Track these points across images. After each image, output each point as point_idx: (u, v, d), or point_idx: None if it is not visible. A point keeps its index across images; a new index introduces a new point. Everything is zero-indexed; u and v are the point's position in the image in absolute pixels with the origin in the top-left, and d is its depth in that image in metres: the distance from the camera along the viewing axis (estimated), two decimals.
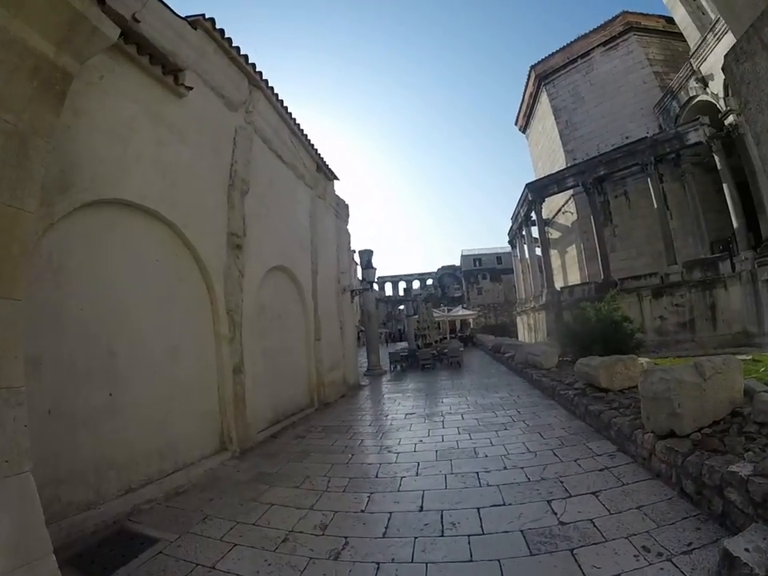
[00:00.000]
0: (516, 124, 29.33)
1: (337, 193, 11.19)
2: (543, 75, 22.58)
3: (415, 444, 5.05)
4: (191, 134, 4.76)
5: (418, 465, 4.26)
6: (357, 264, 21.16)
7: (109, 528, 3.22)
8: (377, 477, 4.06)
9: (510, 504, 3.17)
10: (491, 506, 3.16)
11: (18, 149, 2.12)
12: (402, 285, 49.17)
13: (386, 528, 2.98)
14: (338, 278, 10.81)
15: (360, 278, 15.14)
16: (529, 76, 24.08)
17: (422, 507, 3.28)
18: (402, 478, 3.95)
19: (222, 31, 5.00)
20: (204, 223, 4.87)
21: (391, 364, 14.61)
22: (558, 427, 5.12)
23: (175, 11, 4.47)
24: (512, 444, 4.65)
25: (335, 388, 9.12)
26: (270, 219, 6.65)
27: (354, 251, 15.18)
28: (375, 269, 13.28)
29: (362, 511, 3.33)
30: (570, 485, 3.37)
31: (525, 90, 25.45)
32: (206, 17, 4.81)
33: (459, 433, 5.37)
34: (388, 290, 52.73)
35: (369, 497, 3.59)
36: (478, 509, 3.14)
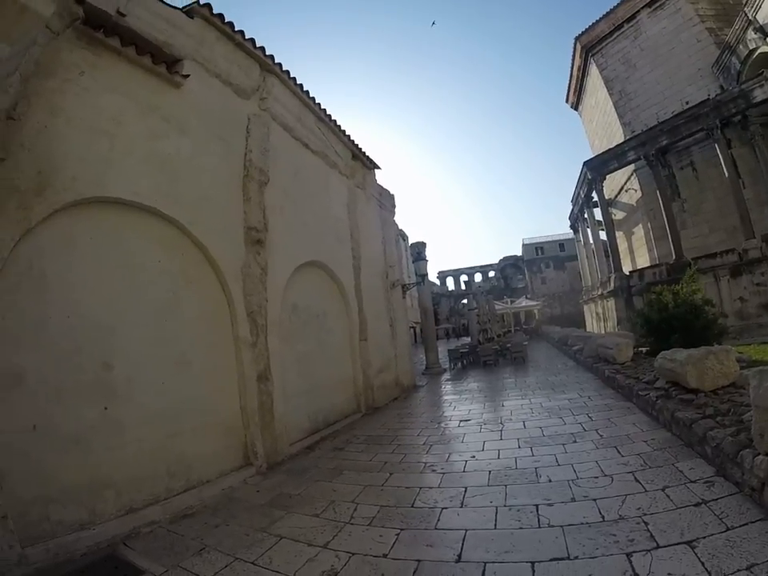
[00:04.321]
0: (567, 101, 26.49)
1: (380, 183, 10.57)
2: (589, 46, 20.39)
3: (465, 462, 4.22)
4: (194, 124, 4.39)
5: (465, 491, 3.45)
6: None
7: (101, 551, 2.96)
8: (412, 506, 3.33)
9: (575, 557, 2.30)
10: (551, 560, 2.32)
11: None
12: (463, 278, 47.32)
13: None
14: (385, 272, 10.15)
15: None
16: (574, 48, 21.67)
17: (460, 556, 2.51)
18: (442, 509, 3.19)
19: (221, 16, 4.59)
20: (214, 218, 4.48)
21: (451, 362, 13.68)
22: (638, 439, 4.04)
23: (167, 1, 4.13)
24: (582, 463, 3.67)
25: (386, 391, 8.48)
26: (298, 211, 6.18)
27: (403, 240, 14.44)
28: (427, 260, 12.40)
29: (385, 556, 2.63)
30: (656, 528, 2.43)
31: (572, 64, 22.99)
32: (201, 3, 4.42)
33: (519, 447, 4.44)
34: (450, 284, 51.17)
35: (397, 535, 2.88)
36: (533, 563, 2.32)
